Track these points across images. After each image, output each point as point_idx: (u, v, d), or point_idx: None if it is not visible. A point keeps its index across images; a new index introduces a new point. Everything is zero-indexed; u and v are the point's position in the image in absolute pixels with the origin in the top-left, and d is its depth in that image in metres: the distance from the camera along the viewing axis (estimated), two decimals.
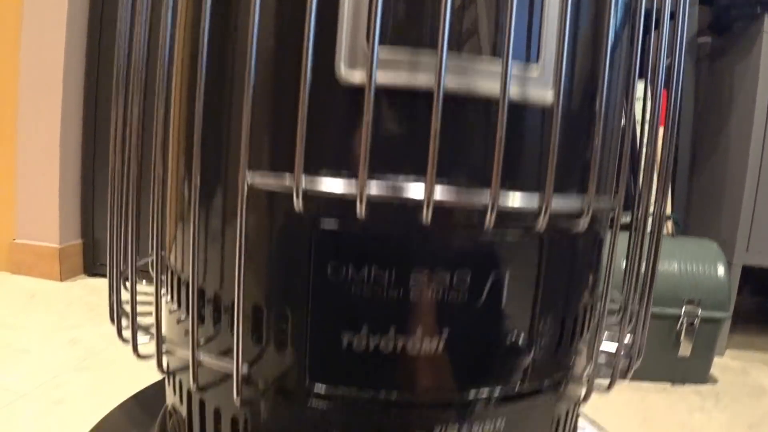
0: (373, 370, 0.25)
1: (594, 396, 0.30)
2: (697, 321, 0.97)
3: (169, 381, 0.35)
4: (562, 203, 0.23)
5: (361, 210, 0.19)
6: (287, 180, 0.21)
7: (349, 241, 0.23)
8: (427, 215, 0.20)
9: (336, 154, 0.23)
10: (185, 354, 0.25)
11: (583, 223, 0.23)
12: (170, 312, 0.32)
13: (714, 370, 1.03)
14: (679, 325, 0.97)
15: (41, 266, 1.40)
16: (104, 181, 1.38)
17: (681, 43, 0.27)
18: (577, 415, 0.35)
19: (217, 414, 0.29)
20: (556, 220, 0.25)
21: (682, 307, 0.97)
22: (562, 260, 0.27)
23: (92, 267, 1.46)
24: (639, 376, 1.00)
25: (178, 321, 0.31)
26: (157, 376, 0.36)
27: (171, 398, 0.35)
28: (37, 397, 0.81)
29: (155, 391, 0.50)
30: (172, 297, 0.32)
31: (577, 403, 0.33)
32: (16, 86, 1.40)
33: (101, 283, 1.40)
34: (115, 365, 0.94)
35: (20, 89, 1.40)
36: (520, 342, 0.25)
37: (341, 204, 0.23)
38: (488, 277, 0.25)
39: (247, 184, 0.20)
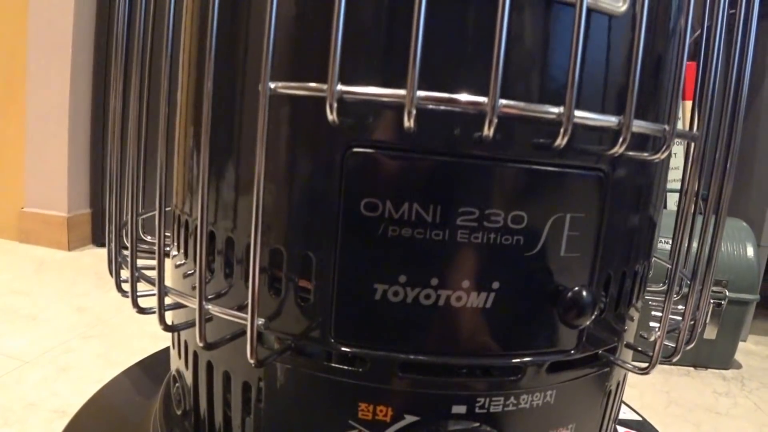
0: (409, 329, 0.21)
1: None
2: (724, 303, 0.93)
3: (173, 344, 0.32)
4: (642, 125, 0.19)
5: (409, 119, 0.15)
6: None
7: (387, 169, 0.20)
8: (490, 124, 0.16)
9: (380, 57, 0.19)
10: (191, 306, 0.21)
11: (665, 149, 0.20)
12: (176, 266, 0.29)
13: (737, 355, 1.00)
14: None
15: (49, 235, 1.39)
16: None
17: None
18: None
19: (227, 378, 0.26)
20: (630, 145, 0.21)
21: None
22: (626, 203, 0.23)
23: (101, 236, 1.44)
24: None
25: (185, 275, 0.28)
26: (165, 344, 0.33)
27: (176, 362, 0.32)
28: (42, 363, 0.79)
29: (161, 358, 0.48)
30: (178, 247, 0.29)
31: (621, 383, 0.29)
32: (24, 55, 1.37)
33: None
34: (122, 333, 0.91)
35: (28, 57, 1.37)
36: (581, 298, 0.21)
37: (380, 121, 0.19)
38: (548, 220, 0.21)
39: (269, 91, 0.16)
